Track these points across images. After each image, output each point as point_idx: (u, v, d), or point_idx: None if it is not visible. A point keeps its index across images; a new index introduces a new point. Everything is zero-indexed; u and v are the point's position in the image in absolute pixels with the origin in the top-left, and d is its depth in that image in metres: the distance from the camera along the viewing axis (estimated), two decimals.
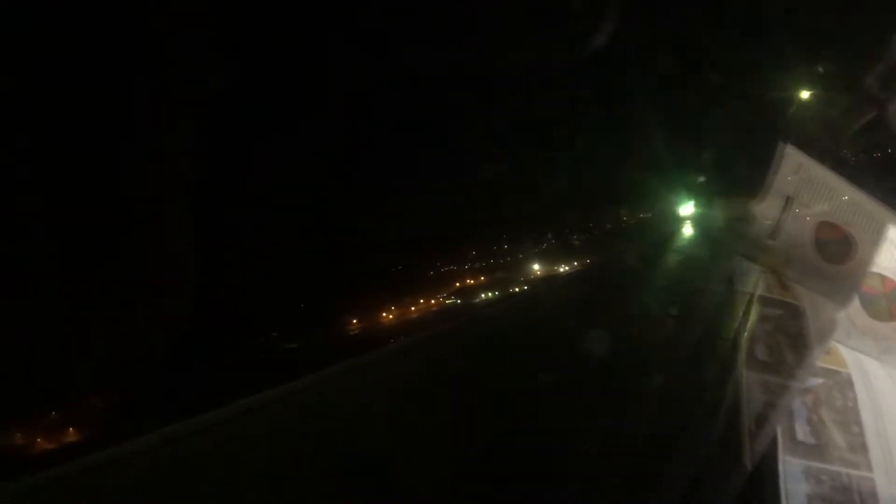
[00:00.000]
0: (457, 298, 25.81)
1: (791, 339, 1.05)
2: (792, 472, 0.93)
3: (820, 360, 1.03)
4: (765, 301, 1.14)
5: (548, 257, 25.76)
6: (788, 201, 1.14)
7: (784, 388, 1.00)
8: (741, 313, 1.16)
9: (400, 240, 33.34)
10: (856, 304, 1.07)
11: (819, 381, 1.02)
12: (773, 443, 0.96)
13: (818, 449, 0.94)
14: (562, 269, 23.24)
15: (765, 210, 1.30)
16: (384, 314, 26.37)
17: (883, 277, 1.04)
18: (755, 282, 1.20)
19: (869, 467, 0.91)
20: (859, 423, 0.96)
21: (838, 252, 1.10)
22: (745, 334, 1.10)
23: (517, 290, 22.63)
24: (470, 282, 27.34)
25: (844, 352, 1.06)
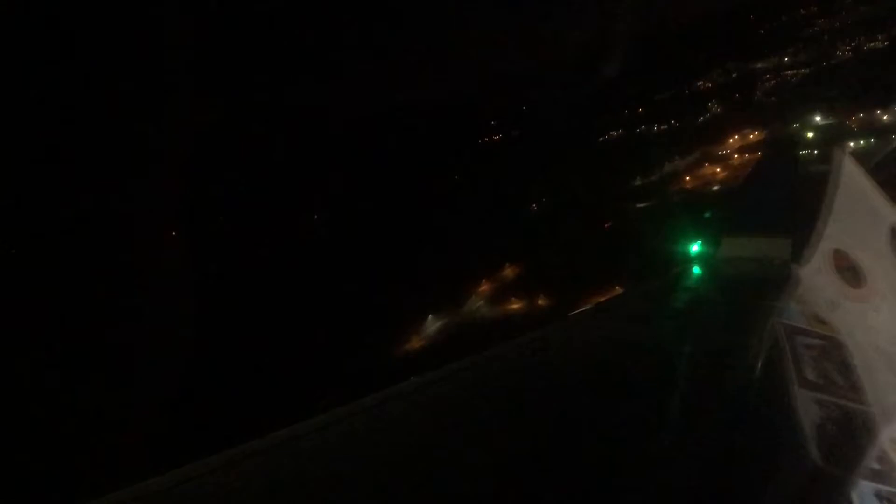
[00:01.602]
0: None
1: (836, 366, 1.16)
2: (804, 402, 1.16)
3: (818, 329, 1.18)
4: (806, 333, 1.22)
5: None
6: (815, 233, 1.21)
7: (837, 406, 1.13)
8: (784, 344, 1.26)
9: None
10: (835, 276, 1.18)
11: (821, 342, 1.17)
12: (788, 380, 1.19)
13: (824, 386, 1.14)
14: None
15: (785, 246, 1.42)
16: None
17: (847, 253, 1.18)
18: (791, 313, 1.28)
19: (866, 403, 1.11)
20: (854, 371, 1.13)
21: (853, 278, 1.18)
22: (791, 360, 1.22)
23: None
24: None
25: (836, 321, 1.19)
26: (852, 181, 1.21)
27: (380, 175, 51.12)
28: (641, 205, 36.99)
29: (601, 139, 63.74)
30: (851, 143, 34.66)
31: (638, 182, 43.81)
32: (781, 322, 1.27)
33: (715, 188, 36.51)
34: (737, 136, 44.43)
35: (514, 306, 28.95)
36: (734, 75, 77.48)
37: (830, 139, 36.92)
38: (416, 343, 27.98)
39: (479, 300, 30.49)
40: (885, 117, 36.64)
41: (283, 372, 26.00)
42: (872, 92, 40.13)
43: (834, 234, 1.21)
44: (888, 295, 1.21)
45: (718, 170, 39.56)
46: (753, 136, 43.35)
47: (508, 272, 32.49)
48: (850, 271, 1.20)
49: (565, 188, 44.45)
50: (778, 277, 1.79)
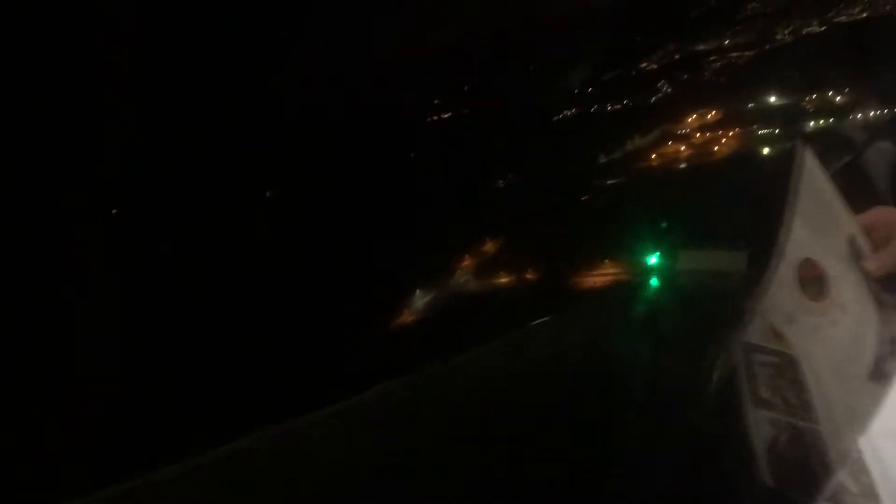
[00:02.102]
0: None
1: (791, 383, 1.18)
2: (757, 422, 1.22)
3: (775, 345, 1.19)
4: (761, 350, 1.22)
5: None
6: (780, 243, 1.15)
7: (789, 425, 1.19)
8: (739, 362, 1.28)
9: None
10: (797, 288, 1.17)
11: (776, 359, 1.19)
12: (741, 397, 1.25)
13: (778, 405, 1.19)
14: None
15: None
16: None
17: (815, 262, 1.16)
18: (748, 329, 1.26)
19: (817, 421, 1.15)
20: (807, 389, 1.16)
21: (817, 290, 1.17)
22: (745, 377, 1.26)
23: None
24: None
25: (793, 336, 1.18)
26: (815, 187, 1.15)
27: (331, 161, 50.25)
28: (612, 181, 37.92)
29: (555, 118, 64.60)
30: (811, 123, 36.73)
31: (603, 160, 44.88)
32: (738, 339, 1.27)
33: (682, 166, 37.80)
34: (695, 116, 46.15)
35: (502, 280, 29.30)
36: (677, 56, 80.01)
37: (788, 120, 38.84)
38: (407, 317, 27.95)
39: (464, 275, 30.67)
40: (837, 98, 38.81)
41: (273, 357, 25.51)
42: (822, 73, 42.32)
43: (797, 243, 1.16)
44: (847, 307, 1.20)
45: (683, 148, 40.95)
46: (711, 115, 45.11)
47: (489, 247, 32.78)
48: (813, 283, 1.19)
49: (529, 165, 45.11)
50: (736, 291, 1.80)
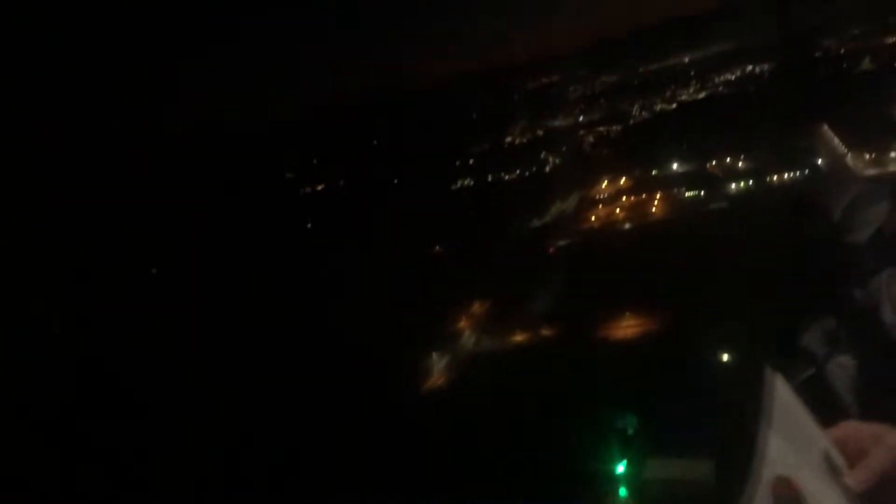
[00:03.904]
0: None
1: None
2: None
3: None
4: None
5: None
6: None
7: None
8: None
9: None
10: None
11: None
12: None
13: None
14: None
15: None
16: None
17: (790, 480, 1.13)
18: None
19: None
20: None
21: None
22: None
23: None
24: None
25: None
26: (785, 405, 1.11)
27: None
28: (563, 242, 40.30)
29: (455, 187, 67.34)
30: (733, 186, 41.51)
31: (536, 223, 47.35)
32: None
33: (627, 226, 40.92)
34: (606, 182, 50.36)
35: (513, 337, 30.03)
36: (539, 133, 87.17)
37: (695, 184, 43.44)
38: (431, 385, 27.78)
39: (469, 335, 31.06)
40: (739, 164, 44.62)
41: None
42: (714, 138, 48.24)
43: (771, 462, 1.08)
44: None
45: (618, 210, 44.40)
46: (623, 181, 49.48)
47: (477, 308, 33.52)
48: (790, 502, 1.06)
49: (463, 230, 46.62)
50: None
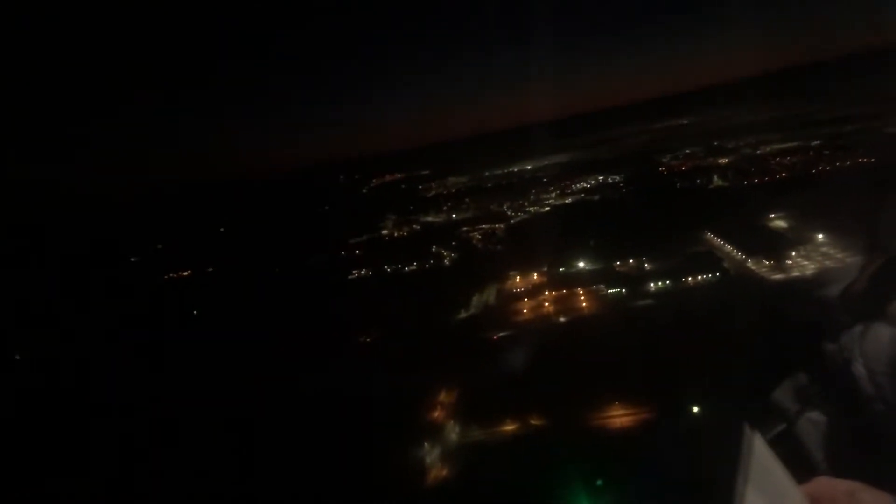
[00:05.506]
0: None
1: None
2: None
3: None
4: None
5: None
6: None
7: None
8: None
9: None
10: None
11: None
12: None
13: None
14: None
15: None
16: None
17: None
18: None
19: None
20: None
21: None
22: None
23: None
24: None
25: None
26: (762, 464, 1.09)
27: None
28: (503, 333, 41.21)
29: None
30: (651, 286, 45.00)
31: (462, 315, 47.84)
32: None
33: (561, 319, 42.62)
34: (518, 277, 52.24)
35: (497, 427, 29.83)
36: (416, 227, 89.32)
37: (602, 280, 46.27)
38: (429, 479, 26.85)
39: (451, 428, 30.43)
40: (646, 265, 48.88)
41: None
42: (610, 243, 52.42)
43: None
44: None
45: (547, 303, 46.12)
46: (535, 276, 51.51)
47: (444, 397, 33.11)
48: None
49: (393, 321, 45.99)
50: None
